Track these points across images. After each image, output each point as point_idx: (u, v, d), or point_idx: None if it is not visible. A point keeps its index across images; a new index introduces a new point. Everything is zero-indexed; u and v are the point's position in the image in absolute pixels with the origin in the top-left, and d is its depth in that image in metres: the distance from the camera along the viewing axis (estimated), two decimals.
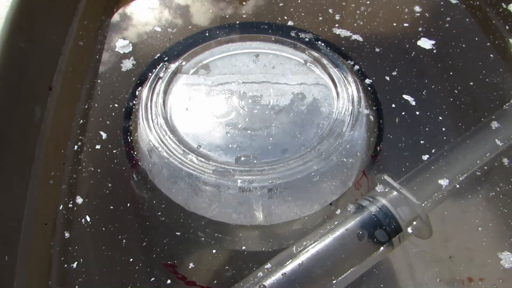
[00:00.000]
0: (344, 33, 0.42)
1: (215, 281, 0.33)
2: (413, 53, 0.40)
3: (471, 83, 0.37)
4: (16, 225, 0.28)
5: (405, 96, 0.36)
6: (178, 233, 0.32)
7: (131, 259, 0.33)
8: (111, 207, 0.31)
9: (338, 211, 0.30)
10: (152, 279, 0.36)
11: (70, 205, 0.30)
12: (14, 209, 0.28)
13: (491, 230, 0.37)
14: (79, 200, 0.31)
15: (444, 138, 0.34)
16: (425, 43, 0.41)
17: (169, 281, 0.36)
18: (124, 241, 0.32)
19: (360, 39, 0.41)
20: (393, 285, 0.41)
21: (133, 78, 0.38)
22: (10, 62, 0.32)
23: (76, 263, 0.29)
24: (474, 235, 0.40)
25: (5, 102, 0.30)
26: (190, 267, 0.34)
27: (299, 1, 0.46)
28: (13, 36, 0.33)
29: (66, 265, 0.28)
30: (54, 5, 0.39)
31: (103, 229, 0.31)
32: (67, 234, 0.29)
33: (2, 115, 0.30)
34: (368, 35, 0.41)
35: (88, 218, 0.30)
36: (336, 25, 0.42)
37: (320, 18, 0.43)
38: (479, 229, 0.37)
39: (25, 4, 0.34)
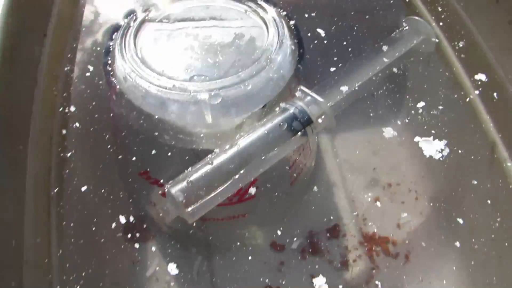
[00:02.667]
0: None
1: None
2: None
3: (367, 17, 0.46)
4: (25, 125, 0.35)
5: (318, 30, 0.44)
6: (148, 139, 0.40)
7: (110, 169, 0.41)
8: (96, 118, 0.39)
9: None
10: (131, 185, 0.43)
11: (66, 111, 0.38)
12: (22, 116, 0.36)
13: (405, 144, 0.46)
14: (72, 108, 0.38)
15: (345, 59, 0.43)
16: None
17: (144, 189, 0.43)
18: (105, 148, 0.40)
19: None
20: (328, 194, 0.50)
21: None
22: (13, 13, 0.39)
23: (69, 153, 0.36)
24: (393, 151, 0.49)
25: (12, 42, 0.38)
26: (162, 169, 0.42)
27: None
28: None
29: (62, 154, 0.36)
30: None
31: (89, 136, 0.39)
32: (64, 131, 0.37)
33: (12, 53, 0.37)
34: None
35: (78, 124, 0.38)
36: None
37: None
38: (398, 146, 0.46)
39: None
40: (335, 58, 0.42)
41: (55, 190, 0.38)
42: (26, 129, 0.35)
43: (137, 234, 0.46)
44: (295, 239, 0.48)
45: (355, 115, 0.51)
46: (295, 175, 0.46)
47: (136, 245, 0.45)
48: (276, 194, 0.46)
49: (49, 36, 0.42)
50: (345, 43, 0.43)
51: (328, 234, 0.48)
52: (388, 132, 0.46)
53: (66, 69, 0.42)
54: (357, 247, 0.47)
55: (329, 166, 0.52)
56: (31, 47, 0.39)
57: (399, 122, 0.50)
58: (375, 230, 0.48)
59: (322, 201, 0.50)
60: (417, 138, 0.46)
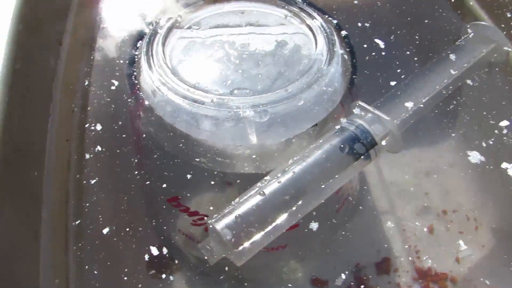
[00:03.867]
0: None
1: (214, 207, 0.35)
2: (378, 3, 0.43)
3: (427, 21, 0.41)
4: (40, 148, 0.29)
5: (376, 40, 0.39)
6: (179, 161, 0.34)
7: (137, 195, 0.35)
8: (122, 139, 0.33)
9: (322, 133, 0.33)
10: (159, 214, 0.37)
11: (89, 131, 0.32)
12: (36, 137, 0.30)
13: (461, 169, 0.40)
14: (99, 127, 0.32)
15: (407, 71, 0.37)
16: None
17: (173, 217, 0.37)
18: (130, 175, 0.34)
19: None
20: (376, 222, 0.44)
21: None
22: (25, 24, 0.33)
23: (93, 180, 0.30)
24: (447, 174, 0.43)
25: (26, 53, 0.32)
26: (192, 196, 0.36)
27: None
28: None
29: (84, 182, 0.30)
30: None
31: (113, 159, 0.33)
32: (87, 156, 0.31)
33: (25, 63, 0.31)
34: None
35: (100, 148, 0.32)
36: None
37: None
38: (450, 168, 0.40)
39: None
40: (398, 70, 0.36)
41: (74, 223, 0.31)
42: (41, 152, 0.29)
43: (163, 266, 0.40)
44: (339, 274, 0.41)
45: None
46: (341, 202, 0.40)
47: (163, 276, 0.39)
48: (320, 223, 0.40)
49: (65, 45, 0.36)
50: (408, 52, 0.37)
51: (377, 269, 0.42)
52: (475, 157, 0.39)
53: (85, 83, 0.36)
54: (411, 285, 0.41)
55: (374, 190, 0.45)
56: (46, 57, 0.33)
57: (453, 142, 0.44)
58: (431, 265, 0.41)
59: (369, 231, 0.44)
60: (505, 165, 0.39)
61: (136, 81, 0.35)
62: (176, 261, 0.41)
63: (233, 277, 0.42)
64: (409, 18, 0.41)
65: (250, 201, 0.29)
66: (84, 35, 0.40)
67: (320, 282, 0.42)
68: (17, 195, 0.25)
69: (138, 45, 0.38)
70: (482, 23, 0.38)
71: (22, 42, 0.30)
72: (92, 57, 0.39)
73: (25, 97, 0.29)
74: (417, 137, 0.46)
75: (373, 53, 0.38)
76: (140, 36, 0.38)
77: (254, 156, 0.33)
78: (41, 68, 0.33)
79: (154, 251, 0.35)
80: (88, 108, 0.35)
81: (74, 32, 0.38)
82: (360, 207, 0.44)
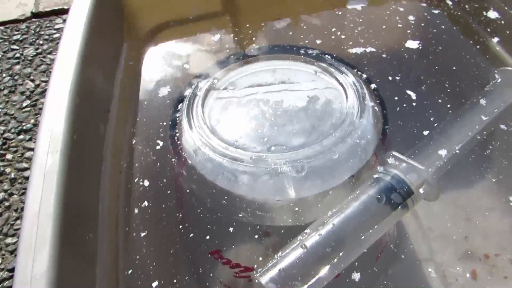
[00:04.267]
0: (348, 48, 0.47)
1: (259, 259, 0.36)
2: (406, 56, 0.44)
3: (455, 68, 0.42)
4: (94, 210, 0.31)
5: (407, 91, 0.40)
6: (222, 216, 0.35)
7: (180, 248, 0.36)
8: (166, 194, 0.34)
9: (358, 184, 0.33)
10: (201, 266, 0.38)
11: (138, 186, 0.34)
12: (92, 201, 0.32)
13: (502, 213, 0.40)
14: (146, 183, 0.34)
15: (440, 119, 0.38)
16: (412, 44, 0.46)
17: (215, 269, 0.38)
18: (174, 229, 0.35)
19: (362, 51, 0.46)
20: (416, 269, 0.43)
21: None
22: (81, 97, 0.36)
23: (142, 233, 0.32)
24: (485, 215, 0.42)
25: (79, 119, 0.34)
26: (234, 249, 0.37)
27: (304, 27, 0.52)
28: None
29: (134, 234, 0.31)
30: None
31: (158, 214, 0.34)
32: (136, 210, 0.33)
33: (81, 133, 0.34)
34: (368, 47, 0.46)
35: (146, 203, 0.33)
36: (341, 43, 0.47)
37: (326, 38, 0.48)
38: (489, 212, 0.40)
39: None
40: (431, 119, 0.37)
41: (127, 272, 0.33)
42: (95, 214, 0.31)
43: None
44: None
45: None
46: (380, 250, 0.40)
47: None
48: (360, 272, 0.40)
49: (113, 111, 0.39)
50: (439, 100, 0.38)
51: None
52: None
53: (132, 143, 0.38)
54: None
55: (412, 236, 0.45)
56: (96, 125, 0.36)
57: (491, 186, 0.43)
58: None
59: (409, 278, 0.43)
60: None
61: (178, 142, 0.37)
62: None
63: None
64: (437, 67, 0.42)
65: (292, 254, 0.29)
66: (128, 99, 0.43)
67: None
68: (73, 259, 0.27)
69: (179, 107, 0.40)
70: (509, 68, 0.39)
71: (79, 114, 0.33)
72: (137, 119, 0.42)
73: (80, 165, 0.31)
74: (454, 182, 0.46)
75: (404, 104, 0.39)
76: (180, 99, 0.41)
77: (292, 209, 0.34)
78: (92, 136, 0.35)
79: None
80: (136, 165, 0.37)
81: (120, 98, 0.41)
82: (399, 254, 0.44)
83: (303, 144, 0.35)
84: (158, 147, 0.38)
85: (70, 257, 0.26)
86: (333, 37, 0.48)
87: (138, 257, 0.33)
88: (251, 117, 0.38)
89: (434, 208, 0.46)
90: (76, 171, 0.30)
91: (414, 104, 0.40)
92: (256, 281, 0.28)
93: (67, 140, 0.29)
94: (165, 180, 0.36)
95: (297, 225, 0.35)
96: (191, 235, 0.37)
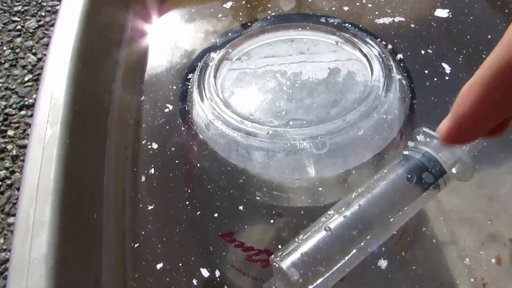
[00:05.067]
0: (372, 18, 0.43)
1: (273, 242, 0.33)
2: (434, 25, 0.41)
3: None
4: (99, 188, 0.28)
5: (442, 64, 0.37)
6: (234, 194, 0.32)
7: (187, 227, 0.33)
8: (175, 177, 0.32)
9: (381, 163, 0.30)
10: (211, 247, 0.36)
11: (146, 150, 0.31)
12: (97, 177, 0.29)
13: None
14: (154, 145, 0.31)
15: None
16: (442, 12, 0.42)
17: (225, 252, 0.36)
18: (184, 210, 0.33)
19: (388, 21, 0.42)
20: (437, 253, 0.41)
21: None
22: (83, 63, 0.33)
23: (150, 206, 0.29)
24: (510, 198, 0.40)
25: (83, 91, 0.31)
26: (247, 231, 0.34)
27: None
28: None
29: (141, 205, 0.28)
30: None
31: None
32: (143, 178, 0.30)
33: (81, 99, 0.31)
34: (395, 17, 0.42)
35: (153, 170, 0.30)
36: (367, 12, 0.43)
37: (347, 8, 0.44)
38: None
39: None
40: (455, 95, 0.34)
41: (132, 245, 0.30)
42: (99, 193, 0.28)
43: None
44: None
45: None
46: (400, 232, 0.37)
47: None
48: (378, 256, 0.37)
49: (118, 82, 0.36)
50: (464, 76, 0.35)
51: None
52: None
53: (140, 106, 0.35)
54: None
55: (433, 219, 0.42)
56: (101, 94, 0.33)
57: None
58: None
59: (430, 263, 0.40)
60: None
61: (189, 116, 0.34)
62: None
63: None
64: (468, 37, 0.39)
65: (315, 237, 0.27)
66: (134, 68, 0.40)
67: None
68: (78, 238, 0.24)
69: (189, 77, 0.37)
70: None
71: (81, 82, 0.30)
72: (142, 87, 0.38)
73: (83, 138, 0.29)
74: (477, 162, 0.43)
75: (435, 78, 0.36)
76: (191, 69, 0.38)
77: (311, 189, 0.32)
78: (96, 106, 0.32)
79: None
80: (143, 126, 0.34)
81: (126, 66, 0.38)
82: (419, 238, 0.41)
83: (324, 119, 0.32)
84: (167, 110, 0.35)
85: (71, 240, 0.23)
86: (357, 4, 0.44)
87: (143, 233, 0.30)
88: (267, 89, 0.35)
89: (455, 189, 0.43)
90: (78, 144, 0.27)
91: (446, 78, 0.36)
92: (276, 265, 0.26)
93: (69, 110, 0.26)
94: (173, 149, 0.33)
95: (315, 206, 0.32)
96: (198, 212, 0.34)
